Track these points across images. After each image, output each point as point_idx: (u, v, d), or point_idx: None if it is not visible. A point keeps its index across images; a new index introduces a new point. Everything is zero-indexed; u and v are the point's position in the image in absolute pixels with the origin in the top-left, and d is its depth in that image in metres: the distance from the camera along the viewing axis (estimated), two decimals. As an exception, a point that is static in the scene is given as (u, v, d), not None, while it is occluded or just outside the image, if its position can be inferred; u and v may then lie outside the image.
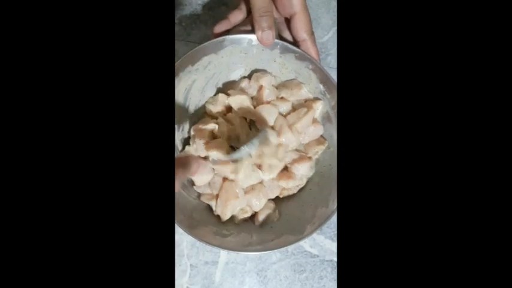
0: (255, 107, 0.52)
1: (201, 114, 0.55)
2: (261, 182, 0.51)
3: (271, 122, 0.51)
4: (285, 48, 0.48)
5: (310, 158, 0.51)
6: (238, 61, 0.52)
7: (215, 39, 0.47)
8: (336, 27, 0.62)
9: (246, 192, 0.49)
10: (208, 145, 0.49)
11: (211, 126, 0.50)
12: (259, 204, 0.50)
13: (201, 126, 0.50)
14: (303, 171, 0.51)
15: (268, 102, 0.52)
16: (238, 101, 0.51)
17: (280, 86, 0.53)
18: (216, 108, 0.53)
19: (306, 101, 0.53)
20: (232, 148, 0.52)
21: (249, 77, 0.54)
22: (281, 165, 0.50)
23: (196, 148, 0.49)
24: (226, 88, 0.55)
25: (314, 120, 0.52)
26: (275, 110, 0.51)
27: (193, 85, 0.52)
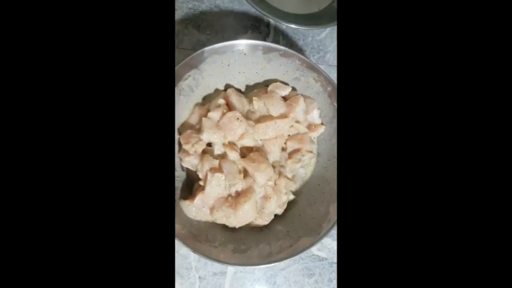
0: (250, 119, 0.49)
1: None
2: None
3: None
4: (284, 52, 0.48)
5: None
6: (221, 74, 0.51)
7: (195, 53, 0.45)
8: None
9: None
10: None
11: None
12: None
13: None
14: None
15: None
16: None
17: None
18: (192, 148, 0.47)
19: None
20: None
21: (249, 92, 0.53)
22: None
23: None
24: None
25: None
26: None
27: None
